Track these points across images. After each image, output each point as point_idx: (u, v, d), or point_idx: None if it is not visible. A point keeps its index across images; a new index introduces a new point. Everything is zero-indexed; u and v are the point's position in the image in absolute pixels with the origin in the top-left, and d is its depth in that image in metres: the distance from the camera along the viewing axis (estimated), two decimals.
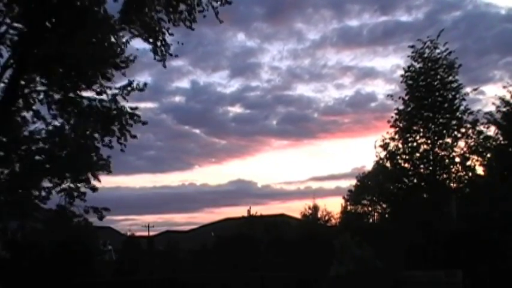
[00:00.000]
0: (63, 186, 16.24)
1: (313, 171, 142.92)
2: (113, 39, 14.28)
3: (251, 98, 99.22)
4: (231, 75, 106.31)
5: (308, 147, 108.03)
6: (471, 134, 25.14)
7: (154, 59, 14.47)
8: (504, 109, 26.44)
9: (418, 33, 73.59)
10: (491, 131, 26.08)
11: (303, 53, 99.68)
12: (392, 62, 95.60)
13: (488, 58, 76.19)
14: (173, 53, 14.54)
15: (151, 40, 14.13)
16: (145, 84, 16.08)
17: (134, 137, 16.24)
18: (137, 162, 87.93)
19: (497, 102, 26.73)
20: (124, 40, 14.59)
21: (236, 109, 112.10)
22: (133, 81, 15.87)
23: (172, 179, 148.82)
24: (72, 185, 16.32)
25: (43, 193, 16.30)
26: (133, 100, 16.65)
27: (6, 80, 13.97)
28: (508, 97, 26.51)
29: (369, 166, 38.11)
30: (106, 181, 17.13)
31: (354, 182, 46.79)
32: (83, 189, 16.49)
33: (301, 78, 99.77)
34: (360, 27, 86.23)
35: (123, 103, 15.96)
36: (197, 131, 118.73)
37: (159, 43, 14.22)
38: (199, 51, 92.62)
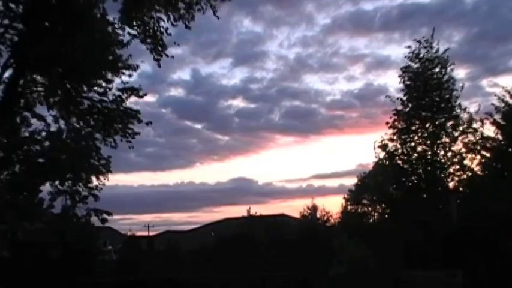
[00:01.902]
0: (64, 188, 16.26)
1: (316, 169, 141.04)
2: (111, 39, 14.30)
3: (256, 91, 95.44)
4: (235, 64, 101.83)
5: (314, 143, 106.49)
6: (468, 132, 25.14)
7: (154, 59, 14.54)
8: (504, 109, 26.40)
9: (437, 15, 69.49)
10: (491, 130, 26.09)
11: (312, 40, 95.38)
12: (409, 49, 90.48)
13: (510, 45, 74.56)
14: (169, 55, 14.56)
15: (149, 41, 14.16)
16: (145, 94, 16.29)
17: (137, 133, 16.39)
18: (136, 160, 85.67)
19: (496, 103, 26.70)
20: (124, 41, 14.62)
21: (240, 103, 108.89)
22: (138, 88, 16.00)
23: (173, 177, 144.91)
24: (74, 188, 16.37)
25: (47, 199, 16.33)
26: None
27: (6, 80, 13.98)
28: (507, 97, 26.50)
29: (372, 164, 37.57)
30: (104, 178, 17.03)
31: (356, 180, 46.95)
32: (84, 194, 16.55)
33: (310, 67, 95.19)
34: (374, 10, 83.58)
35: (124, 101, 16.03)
36: (199, 126, 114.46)
37: (156, 42, 14.25)
38: (202, 38, 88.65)
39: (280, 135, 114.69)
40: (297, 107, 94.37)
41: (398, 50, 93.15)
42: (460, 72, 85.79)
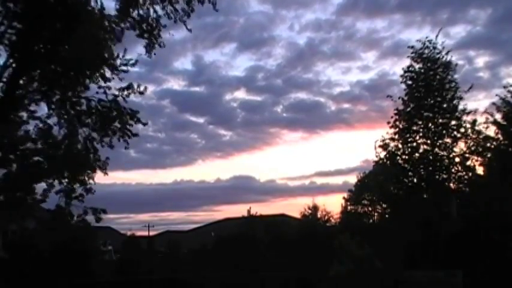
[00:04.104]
0: (61, 187, 16.19)
1: (319, 166, 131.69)
2: (108, 35, 14.25)
3: (261, 81, 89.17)
4: (240, 49, 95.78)
5: (321, 139, 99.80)
6: (470, 134, 25.10)
7: (146, 54, 14.54)
8: (504, 109, 26.34)
9: None
10: (491, 130, 26.02)
11: (325, 23, 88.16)
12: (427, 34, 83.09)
13: None
14: (168, 41, 14.56)
15: (146, 35, 14.11)
16: (145, 88, 16.14)
17: (135, 135, 16.31)
18: (136, 157, 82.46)
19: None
20: (118, 34, 14.50)
21: (244, 95, 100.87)
22: (135, 85, 15.88)
23: (173, 175, 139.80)
24: (69, 186, 16.27)
25: (39, 195, 16.22)
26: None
27: (5, 80, 13.94)
28: (508, 97, 26.42)
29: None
30: (101, 177, 16.66)
31: (356, 179, 46.89)
32: (80, 191, 16.42)
33: (322, 54, 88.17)
34: None
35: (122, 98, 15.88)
36: (201, 120, 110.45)
37: (153, 39, 14.23)
38: (205, 20, 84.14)
39: (286, 130, 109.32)
40: (304, 100, 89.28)
41: (417, 35, 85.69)
42: (479, 61, 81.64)
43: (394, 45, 76.00)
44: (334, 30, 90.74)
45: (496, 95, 26.62)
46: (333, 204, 67.42)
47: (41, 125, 15.66)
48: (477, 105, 50.66)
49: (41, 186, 16.48)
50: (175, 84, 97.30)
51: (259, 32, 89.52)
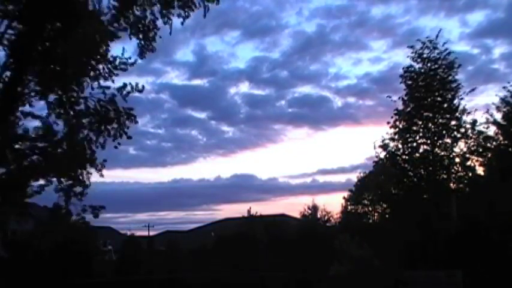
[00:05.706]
0: (61, 186, 16.16)
1: (322, 163, 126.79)
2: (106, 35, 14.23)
3: (266, 73, 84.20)
4: (245, 37, 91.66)
5: (327, 136, 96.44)
6: (471, 134, 25.12)
7: (140, 54, 14.49)
8: (504, 109, 26.37)
9: None
10: (491, 131, 26.04)
11: (335, 9, 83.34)
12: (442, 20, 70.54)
13: None
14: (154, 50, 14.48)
15: (141, 36, 14.08)
16: (143, 87, 16.04)
17: (129, 138, 16.22)
18: (136, 154, 79.79)
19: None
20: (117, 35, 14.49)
21: (248, 88, 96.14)
22: (133, 83, 15.82)
23: (174, 174, 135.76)
24: (67, 183, 16.24)
25: (34, 189, 16.16)
26: (129, 75, 16.01)
27: (5, 80, 13.95)
28: (508, 97, 26.44)
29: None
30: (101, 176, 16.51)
31: (356, 179, 46.80)
32: (79, 189, 16.37)
33: (330, 43, 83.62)
34: None
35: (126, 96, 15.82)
36: (202, 115, 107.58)
37: (147, 41, 14.20)
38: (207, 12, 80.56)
39: (291, 126, 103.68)
40: (310, 95, 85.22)
41: (432, 22, 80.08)
42: (496, 52, 78.61)
43: (409, 32, 70.99)
44: (345, 16, 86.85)
45: (496, 95, 26.70)
46: (334, 203, 65.97)
47: (40, 124, 15.64)
48: (489, 100, 49.89)
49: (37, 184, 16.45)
50: (175, 76, 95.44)
51: (266, 18, 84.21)
